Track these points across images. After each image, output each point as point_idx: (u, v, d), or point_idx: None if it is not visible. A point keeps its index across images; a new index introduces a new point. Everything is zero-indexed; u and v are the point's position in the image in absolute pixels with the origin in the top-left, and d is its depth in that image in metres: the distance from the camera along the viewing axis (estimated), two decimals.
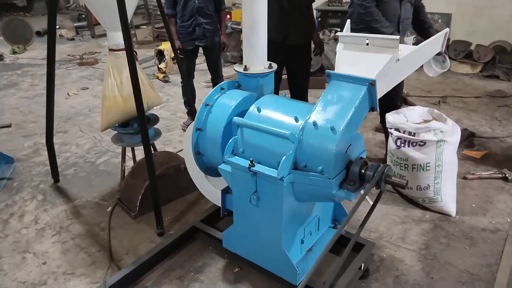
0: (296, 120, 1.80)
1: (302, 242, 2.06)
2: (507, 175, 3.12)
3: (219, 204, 2.27)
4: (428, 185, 2.68)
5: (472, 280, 2.19)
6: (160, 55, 5.84)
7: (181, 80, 3.99)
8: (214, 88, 2.11)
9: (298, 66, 3.38)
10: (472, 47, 6.06)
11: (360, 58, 1.83)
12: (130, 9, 2.45)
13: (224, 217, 2.35)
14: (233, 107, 2.02)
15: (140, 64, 6.35)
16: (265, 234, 1.95)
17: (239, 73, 2.14)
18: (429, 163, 2.62)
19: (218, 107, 2.06)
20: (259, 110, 1.92)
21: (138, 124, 2.43)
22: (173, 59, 5.99)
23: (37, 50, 7.36)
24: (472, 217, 2.70)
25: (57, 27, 8.51)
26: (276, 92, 3.15)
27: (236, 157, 1.89)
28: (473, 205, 2.83)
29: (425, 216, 2.72)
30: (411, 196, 2.83)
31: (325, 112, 1.75)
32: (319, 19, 6.18)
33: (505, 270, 2.25)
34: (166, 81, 5.60)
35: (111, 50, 2.61)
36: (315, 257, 2.06)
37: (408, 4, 2.93)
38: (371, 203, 1.89)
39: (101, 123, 2.76)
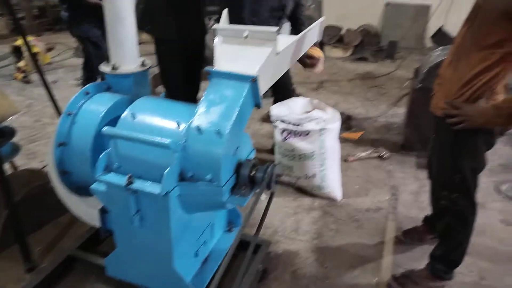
0: (178, 125, 1.61)
1: (196, 254, 1.90)
2: (382, 154, 3.37)
3: (98, 225, 1.98)
4: (314, 173, 2.73)
5: (362, 262, 2.29)
6: (17, 52, 5.06)
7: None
8: (77, 93, 1.80)
9: (198, 65, 2.97)
10: (343, 32, 6.48)
11: (240, 52, 1.71)
12: None
13: (106, 238, 2.07)
14: (102, 114, 1.74)
15: None
16: (153, 255, 1.74)
17: (107, 74, 1.87)
18: (313, 151, 2.66)
19: (83, 116, 1.77)
20: (133, 117, 1.68)
21: None
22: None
23: None
24: (356, 199, 2.84)
25: None
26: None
27: (111, 173, 1.63)
28: (356, 187, 2.98)
29: (314, 204, 2.77)
30: (300, 185, 2.87)
31: (208, 114, 1.59)
32: None
33: (389, 246, 2.39)
34: (27, 82, 4.90)
35: None
36: (212, 268, 1.94)
37: None
38: (265, 196, 1.82)
39: None
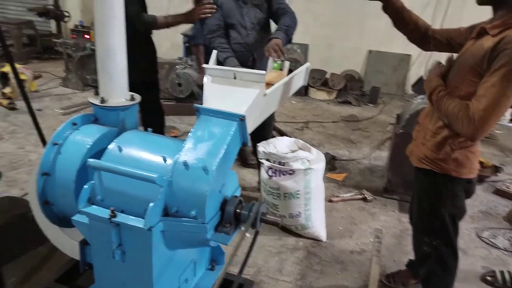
0: (164, 160, 1.62)
1: None
2: (366, 196, 3.40)
3: (78, 258, 1.93)
4: (299, 212, 2.73)
5: None
6: (3, 78, 5.04)
7: None
8: (64, 123, 1.80)
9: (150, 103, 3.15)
10: (328, 75, 6.68)
11: (229, 92, 1.75)
12: None
13: (85, 272, 2.01)
14: (88, 146, 1.74)
15: None
16: None
17: (95, 106, 1.88)
18: (299, 191, 2.68)
19: (69, 147, 1.76)
20: (120, 149, 1.68)
21: None
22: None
23: None
24: (340, 240, 2.84)
25: None
26: None
27: (94, 206, 1.61)
28: (340, 228, 2.98)
29: (298, 244, 2.75)
30: (284, 224, 2.85)
31: (196, 150, 1.60)
32: (186, 44, 6.11)
33: None
34: (12, 109, 4.85)
35: None
36: None
37: (258, 29, 2.95)
38: (249, 235, 1.81)
39: None
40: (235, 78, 1.78)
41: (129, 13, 2.59)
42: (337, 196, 3.39)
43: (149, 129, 1.93)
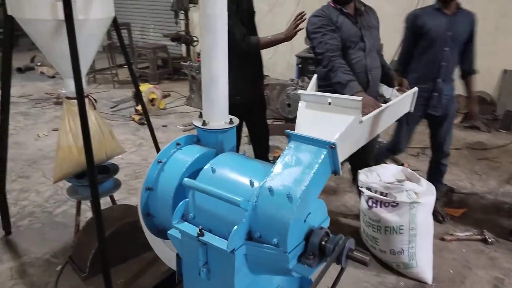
0: (252, 184, 1.64)
1: None
2: (487, 237, 2.98)
3: (175, 268, 2.06)
4: (402, 249, 2.51)
5: None
6: (137, 96, 5.72)
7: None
8: (169, 143, 1.96)
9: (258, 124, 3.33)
10: None
11: (322, 118, 1.71)
12: (88, 55, 2.34)
13: (180, 283, 2.13)
14: (187, 165, 1.85)
15: (115, 106, 6.29)
16: None
17: (198, 128, 2.00)
18: (402, 226, 2.46)
19: (171, 165, 1.90)
20: (213, 171, 1.76)
21: (88, 179, 2.25)
22: (151, 101, 5.90)
23: (15, 87, 7.22)
24: (449, 285, 2.52)
25: (39, 64, 8.46)
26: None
27: (186, 223, 1.70)
28: (451, 271, 2.66)
29: (399, 284, 2.53)
30: (385, 260, 2.65)
31: (282, 176, 1.59)
32: (299, 66, 6.20)
33: None
34: (142, 124, 5.46)
35: (67, 98, 2.47)
36: None
37: (374, 52, 2.86)
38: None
39: (54, 175, 2.57)
40: (330, 104, 1.74)
41: (236, 36, 2.72)
42: (451, 235, 3.03)
43: (244, 151, 1.98)
